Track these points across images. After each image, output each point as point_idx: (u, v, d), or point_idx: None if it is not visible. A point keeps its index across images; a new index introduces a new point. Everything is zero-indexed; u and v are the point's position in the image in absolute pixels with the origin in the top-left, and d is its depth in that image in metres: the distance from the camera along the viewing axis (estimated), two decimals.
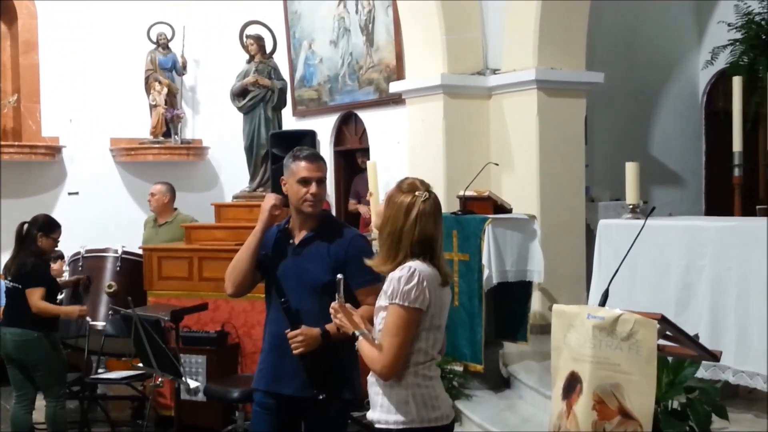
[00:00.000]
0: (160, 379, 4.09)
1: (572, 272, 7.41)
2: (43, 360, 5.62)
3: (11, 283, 5.69)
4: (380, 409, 3.07)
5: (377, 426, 3.08)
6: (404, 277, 2.94)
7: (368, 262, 3.19)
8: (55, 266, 7.27)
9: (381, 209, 3.14)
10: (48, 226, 5.81)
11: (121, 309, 5.02)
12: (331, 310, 3.15)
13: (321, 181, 3.65)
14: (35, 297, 5.58)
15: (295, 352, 3.49)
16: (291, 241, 3.69)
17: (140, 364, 4.42)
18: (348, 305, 3.17)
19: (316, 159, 3.70)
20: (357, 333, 3.07)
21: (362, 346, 3.06)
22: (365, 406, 6.30)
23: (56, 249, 6.07)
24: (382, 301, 3.05)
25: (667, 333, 3.12)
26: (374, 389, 3.12)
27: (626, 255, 3.41)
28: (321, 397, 3.54)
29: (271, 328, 3.73)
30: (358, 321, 3.12)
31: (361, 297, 3.56)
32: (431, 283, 2.99)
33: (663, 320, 3.00)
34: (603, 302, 3.21)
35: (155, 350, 3.75)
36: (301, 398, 3.62)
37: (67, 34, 9.67)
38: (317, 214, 3.68)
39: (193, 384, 3.52)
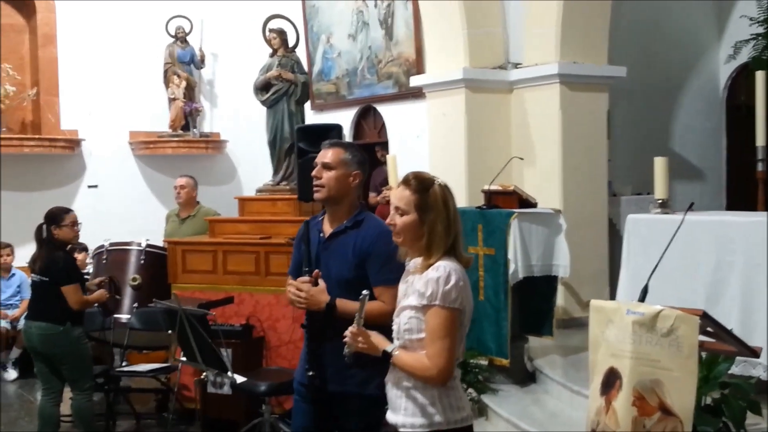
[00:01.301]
0: (204, 374, 4.09)
1: (595, 266, 7.41)
2: (69, 353, 5.63)
3: (38, 278, 5.68)
4: (404, 412, 2.99)
5: (401, 430, 3.00)
6: (442, 278, 2.88)
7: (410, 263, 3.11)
8: (79, 257, 7.32)
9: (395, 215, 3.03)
10: (54, 217, 5.73)
11: (166, 303, 5.02)
12: (349, 336, 3.08)
13: (326, 166, 3.59)
14: (74, 294, 5.57)
15: (294, 304, 3.49)
16: (321, 235, 3.67)
17: (183, 358, 4.42)
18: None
19: (328, 146, 3.65)
20: (389, 350, 2.99)
21: (403, 359, 2.96)
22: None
23: (78, 236, 6.02)
24: (410, 300, 2.97)
25: (708, 329, 3.11)
26: (396, 392, 3.04)
27: (666, 250, 3.39)
28: (310, 373, 3.52)
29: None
30: (380, 340, 3.06)
31: (377, 293, 3.48)
32: (466, 282, 2.96)
33: (704, 316, 2.99)
34: (643, 298, 3.20)
35: (200, 345, 3.75)
36: (333, 392, 3.60)
37: (85, 27, 9.72)
38: (333, 204, 3.62)
39: (239, 379, 3.52)
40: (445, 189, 3.03)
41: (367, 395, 3.52)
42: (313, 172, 3.60)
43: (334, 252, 3.61)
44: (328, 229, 3.66)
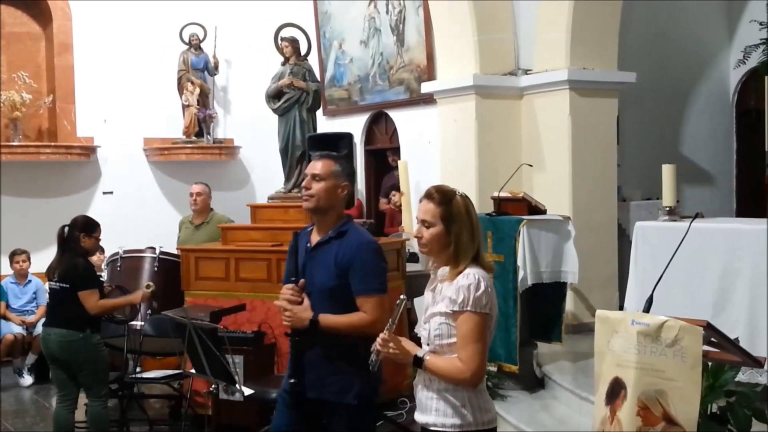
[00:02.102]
0: (213, 386, 4.16)
1: (604, 272, 7.45)
2: (88, 360, 5.67)
3: (58, 284, 5.72)
4: (435, 413, 3.11)
5: (432, 429, 3.11)
6: (473, 285, 3.01)
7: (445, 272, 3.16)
8: (93, 258, 7.40)
9: (422, 227, 3.13)
10: (89, 227, 5.84)
11: (176, 315, 5.09)
12: (380, 342, 3.13)
13: (316, 178, 3.70)
14: (93, 299, 5.61)
15: (284, 322, 3.62)
16: (308, 245, 3.78)
17: (193, 370, 4.48)
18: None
19: (318, 158, 3.81)
20: (420, 355, 3.08)
21: (436, 363, 3.06)
22: (398, 405, 6.39)
23: (98, 250, 6.12)
24: (440, 307, 3.08)
25: (712, 339, 3.15)
26: (427, 393, 3.15)
27: (671, 260, 3.43)
28: (292, 381, 3.63)
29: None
30: (411, 345, 3.14)
31: (358, 303, 3.63)
32: (492, 288, 3.10)
33: (708, 327, 3.02)
34: (647, 308, 3.24)
35: (209, 357, 3.81)
36: (312, 398, 3.69)
37: (101, 35, 9.80)
38: (320, 214, 3.73)
39: (247, 391, 3.58)
40: (466, 199, 3.19)
41: (345, 404, 3.64)
42: (303, 183, 3.74)
43: (319, 261, 3.71)
44: (315, 238, 3.77)
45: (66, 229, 5.82)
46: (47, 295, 6.08)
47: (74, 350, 5.61)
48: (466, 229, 3.11)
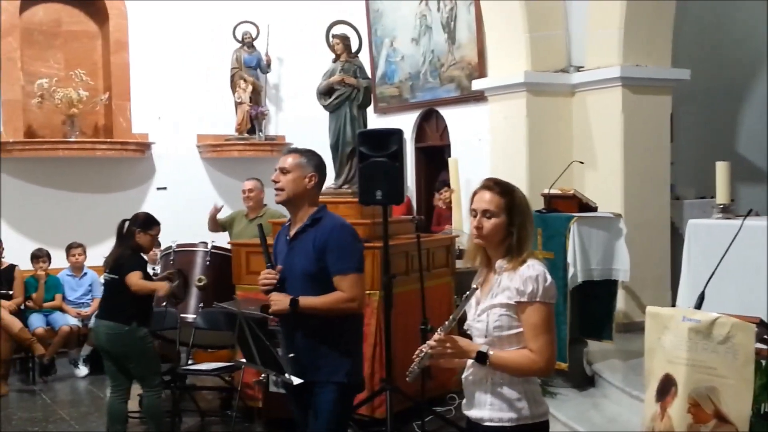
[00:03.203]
0: (262, 375, 4.22)
1: (656, 270, 7.37)
2: (135, 352, 5.75)
3: (109, 276, 5.84)
4: (490, 407, 3.08)
5: (487, 424, 3.09)
6: (541, 276, 3.02)
7: (501, 264, 3.14)
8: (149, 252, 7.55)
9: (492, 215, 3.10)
10: (146, 223, 5.92)
11: (226, 306, 5.15)
12: (435, 343, 3.07)
13: (283, 171, 3.96)
14: (135, 277, 5.66)
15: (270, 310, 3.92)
16: (287, 237, 4.04)
17: (243, 360, 4.55)
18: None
19: (286, 152, 4.12)
20: (484, 350, 3.03)
21: (503, 357, 3.03)
22: (447, 401, 6.39)
23: (152, 248, 6.21)
24: (500, 298, 3.06)
25: (765, 336, 3.11)
26: (480, 387, 3.12)
27: (723, 257, 3.40)
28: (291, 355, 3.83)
29: None
30: (468, 342, 3.11)
31: (335, 282, 3.87)
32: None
33: (761, 324, 3.00)
34: (699, 305, 3.22)
35: (259, 348, 3.88)
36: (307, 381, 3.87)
37: (156, 33, 9.96)
38: (292, 205, 4.00)
39: (296, 381, 3.64)
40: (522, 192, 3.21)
41: (335, 382, 3.88)
42: (272, 177, 4.00)
43: (298, 250, 3.95)
44: (293, 231, 4.02)
45: (126, 223, 5.93)
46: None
47: (121, 343, 5.69)
48: (529, 221, 3.14)
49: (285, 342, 3.95)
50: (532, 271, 3.03)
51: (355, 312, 3.96)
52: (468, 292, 3.10)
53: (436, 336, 3.08)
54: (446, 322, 3.08)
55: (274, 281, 3.92)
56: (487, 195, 3.12)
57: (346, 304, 3.86)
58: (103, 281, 6.06)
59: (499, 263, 3.13)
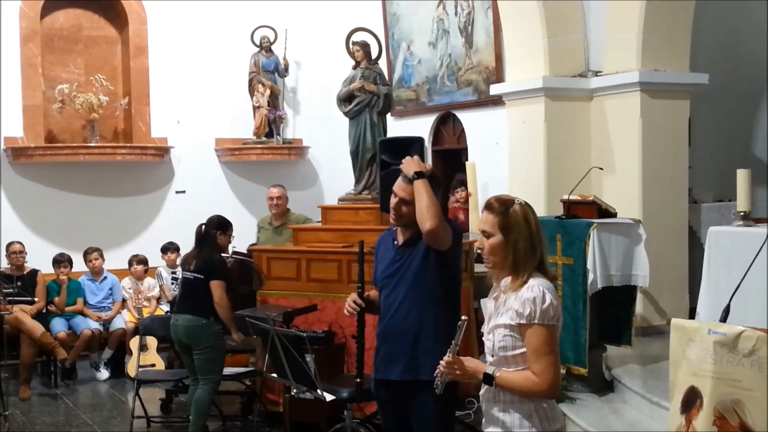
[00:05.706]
0: (294, 390, 4.28)
1: (674, 275, 7.38)
2: (207, 345, 6.07)
3: (192, 275, 6.18)
4: (502, 425, 3.11)
5: None
6: (539, 298, 3.00)
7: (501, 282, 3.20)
8: (173, 256, 7.72)
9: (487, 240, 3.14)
10: (223, 225, 6.41)
11: (259, 322, 5.21)
12: (444, 365, 3.13)
13: (404, 203, 4.18)
14: (220, 289, 6.11)
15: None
16: (394, 242, 4.21)
17: (274, 375, 4.60)
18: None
19: (408, 182, 4.16)
20: (490, 372, 3.07)
21: (508, 378, 3.06)
22: (466, 405, 6.43)
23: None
24: (503, 318, 3.08)
25: None
26: (493, 405, 3.15)
27: (749, 268, 3.41)
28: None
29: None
30: (476, 363, 3.15)
31: None
32: (557, 298, 3.10)
33: None
34: (725, 318, 3.23)
35: (291, 363, 3.92)
36: (405, 382, 3.91)
37: (175, 38, 10.03)
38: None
39: (329, 397, 3.68)
40: (526, 207, 3.16)
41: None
42: (392, 205, 4.14)
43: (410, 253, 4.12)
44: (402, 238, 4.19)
45: (203, 227, 6.34)
46: (175, 286, 6.45)
47: (197, 335, 6.07)
48: (524, 238, 3.08)
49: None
50: (530, 293, 3.02)
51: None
52: (461, 321, 3.14)
53: (446, 358, 3.14)
54: (452, 344, 3.13)
55: (358, 310, 4.11)
56: (485, 215, 3.17)
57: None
58: (182, 278, 6.45)
59: (504, 282, 3.17)
